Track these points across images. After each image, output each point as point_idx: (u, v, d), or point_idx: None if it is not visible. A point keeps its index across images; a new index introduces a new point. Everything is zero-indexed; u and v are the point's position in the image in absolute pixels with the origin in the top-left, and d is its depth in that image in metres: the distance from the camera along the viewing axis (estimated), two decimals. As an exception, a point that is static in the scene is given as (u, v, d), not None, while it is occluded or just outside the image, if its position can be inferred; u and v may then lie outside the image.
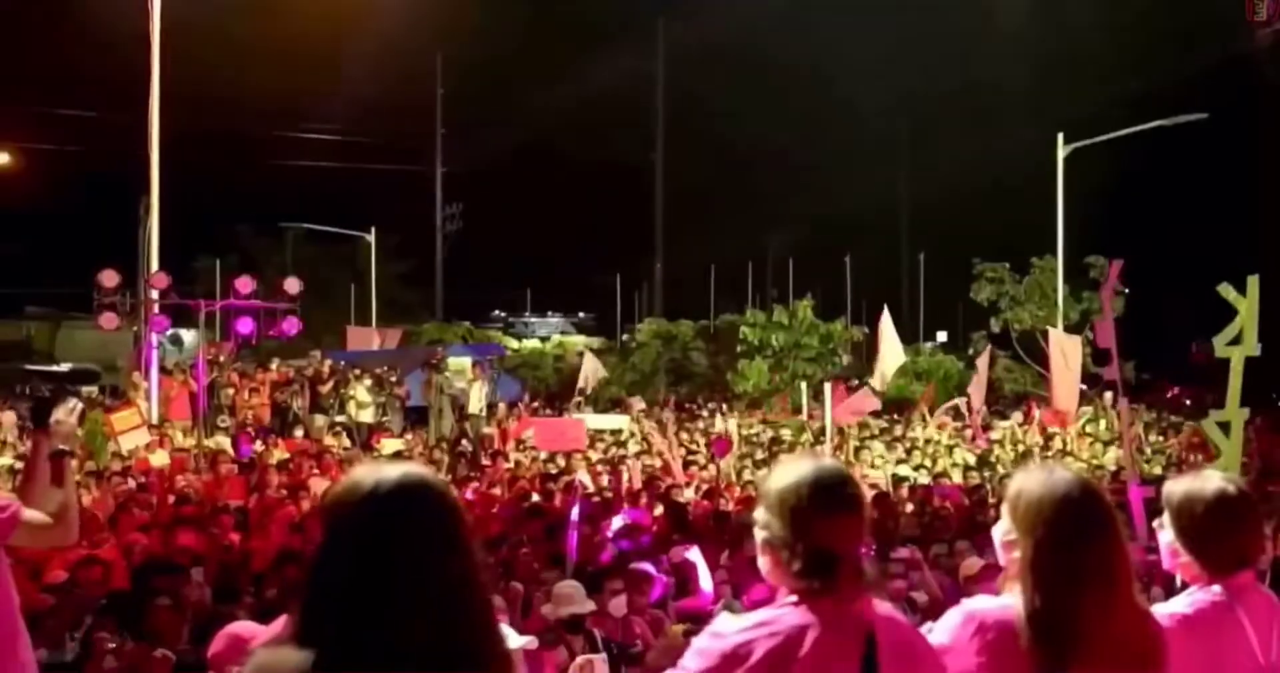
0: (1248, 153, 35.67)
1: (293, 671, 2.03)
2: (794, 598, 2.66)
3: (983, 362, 23.83)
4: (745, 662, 2.57)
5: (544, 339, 40.73)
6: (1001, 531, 3.00)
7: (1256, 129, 34.52)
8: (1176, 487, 3.39)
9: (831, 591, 2.63)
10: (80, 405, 4.81)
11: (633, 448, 19.73)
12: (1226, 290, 9.89)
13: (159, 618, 7.49)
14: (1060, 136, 27.73)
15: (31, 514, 4.40)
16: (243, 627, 5.22)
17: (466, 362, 25.15)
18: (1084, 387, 23.36)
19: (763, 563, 2.77)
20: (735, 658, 2.59)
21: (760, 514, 2.77)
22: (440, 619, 2.07)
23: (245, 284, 18.48)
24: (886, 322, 25.04)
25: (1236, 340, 9.81)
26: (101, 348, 35.97)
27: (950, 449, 18.91)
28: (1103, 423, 21.95)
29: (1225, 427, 9.82)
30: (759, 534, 2.78)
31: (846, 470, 2.83)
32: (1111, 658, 2.78)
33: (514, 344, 35.54)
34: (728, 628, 2.66)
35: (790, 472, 2.77)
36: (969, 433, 21.35)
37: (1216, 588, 3.22)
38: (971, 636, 2.82)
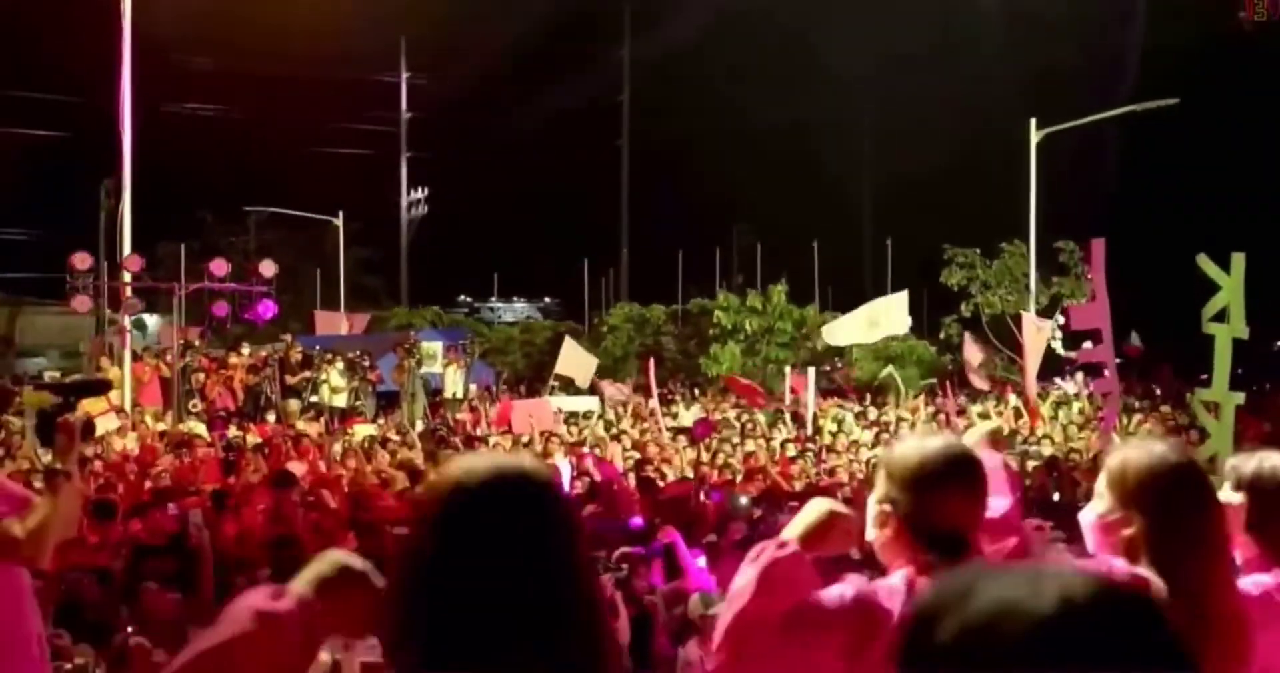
0: (1220, 137, 36.06)
1: None
2: (910, 570, 2.59)
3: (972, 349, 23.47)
4: (881, 619, 2.50)
5: (511, 324, 40.58)
6: (1101, 510, 2.92)
7: (1237, 112, 34.87)
8: (1245, 464, 3.30)
9: (943, 568, 2.58)
10: (86, 417, 4.67)
11: (601, 430, 19.65)
12: (1206, 264, 9.59)
13: (150, 601, 7.40)
14: (1033, 122, 27.78)
15: (10, 525, 4.31)
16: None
17: (438, 346, 25.07)
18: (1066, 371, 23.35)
19: (878, 537, 2.71)
20: (869, 610, 2.53)
21: (880, 487, 2.72)
22: (555, 620, 1.92)
23: (220, 267, 18.27)
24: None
25: (1221, 318, 9.54)
26: (62, 333, 35.46)
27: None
28: (1075, 406, 22.12)
29: (1212, 407, 9.66)
30: (877, 507, 2.72)
31: (973, 450, 2.79)
32: (1233, 627, 2.74)
33: (484, 329, 35.35)
34: (861, 585, 2.61)
35: (916, 446, 2.73)
36: (943, 416, 21.42)
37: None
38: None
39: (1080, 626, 1.14)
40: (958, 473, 2.66)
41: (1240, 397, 9.56)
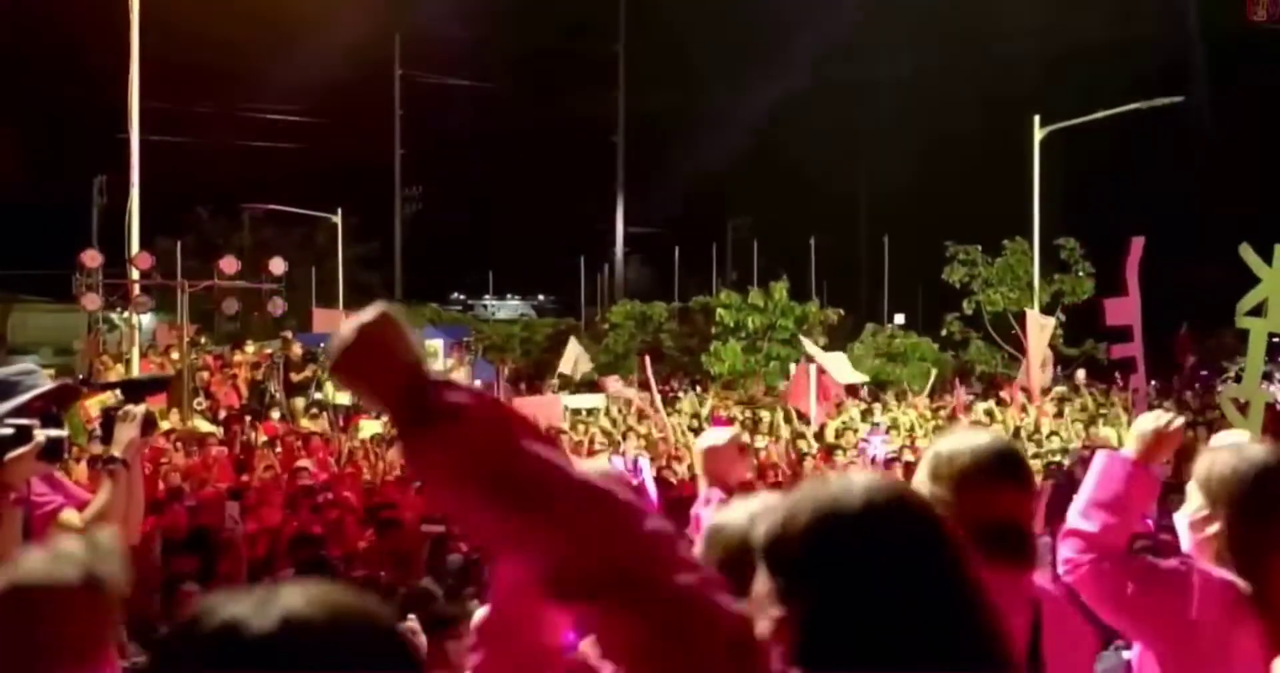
0: (1224, 136, 36.13)
1: None
2: None
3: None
4: None
5: (509, 322, 40.49)
6: (1192, 509, 2.92)
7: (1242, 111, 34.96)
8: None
9: (1001, 562, 2.54)
10: (143, 412, 4.60)
11: (608, 428, 19.58)
12: (1248, 254, 9.28)
13: (189, 604, 7.33)
14: (1036, 119, 27.80)
15: (69, 515, 4.31)
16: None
17: (438, 343, 24.97)
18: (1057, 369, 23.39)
19: None
20: None
21: (924, 482, 2.68)
22: (971, 631, 1.75)
23: (230, 264, 18.17)
24: None
25: (1258, 312, 9.23)
26: (55, 330, 35.25)
27: (934, 430, 18.97)
28: (1079, 402, 22.16)
29: (1240, 404, 9.49)
30: None
31: (1020, 447, 2.82)
32: None
33: (484, 327, 35.25)
34: None
35: (964, 441, 2.71)
36: (946, 412, 21.44)
37: None
38: (1203, 585, 2.74)
39: (299, 641, 1.24)
40: (1006, 470, 2.65)
41: (1271, 395, 9.25)
